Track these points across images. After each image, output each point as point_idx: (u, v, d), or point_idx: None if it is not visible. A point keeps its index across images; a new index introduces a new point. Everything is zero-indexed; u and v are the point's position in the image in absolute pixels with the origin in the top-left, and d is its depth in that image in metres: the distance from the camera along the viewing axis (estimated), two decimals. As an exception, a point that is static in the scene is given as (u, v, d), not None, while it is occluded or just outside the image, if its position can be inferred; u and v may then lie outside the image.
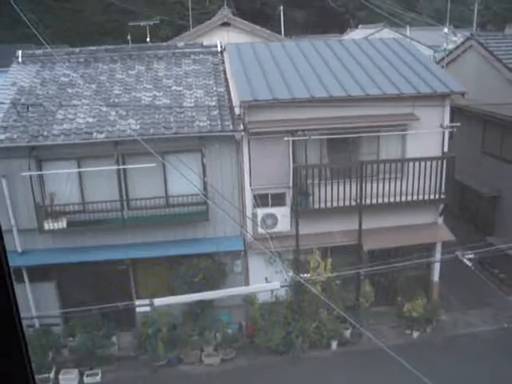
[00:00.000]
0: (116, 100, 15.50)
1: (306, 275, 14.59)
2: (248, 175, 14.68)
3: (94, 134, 13.99)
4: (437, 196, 15.41)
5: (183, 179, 12.99)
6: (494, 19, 60.07)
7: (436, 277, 16.65)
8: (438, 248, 16.14)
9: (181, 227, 15.00)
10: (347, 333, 15.37)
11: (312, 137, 14.54)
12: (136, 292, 15.52)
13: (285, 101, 14.35)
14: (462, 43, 21.22)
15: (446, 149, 15.60)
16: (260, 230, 14.59)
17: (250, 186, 14.80)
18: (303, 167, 14.62)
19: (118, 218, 14.52)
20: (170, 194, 14.76)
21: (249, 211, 14.98)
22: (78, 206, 14.57)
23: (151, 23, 40.00)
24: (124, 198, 14.65)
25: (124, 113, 14.84)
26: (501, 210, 18.56)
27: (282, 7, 41.53)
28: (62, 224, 14.07)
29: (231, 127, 14.18)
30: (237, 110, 14.51)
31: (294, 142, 14.67)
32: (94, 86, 16.17)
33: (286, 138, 14.44)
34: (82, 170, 14.36)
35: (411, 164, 14.94)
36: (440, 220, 16.14)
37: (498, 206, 18.67)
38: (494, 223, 18.88)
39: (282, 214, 14.78)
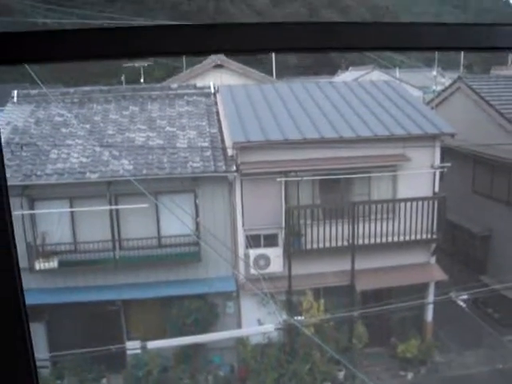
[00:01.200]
0: (110, 140, 15.61)
1: (299, 317, 14.50)
2: (241, 216, 14.72)
3: (87, 174, 14.04)
4: (429, 236, 15.48)
5: (176, 219, 13.01)
6: (479, 61, 61.41)
7: (430, 317, 16.59)
8: (431, 288, 16.15)
9: (173, 268, 14.93)
10: (341, 374, 15.19)
11: (304, 178, 14.66)
12: (127, 333, 15.34)
13: (277, 142, 14.50)
14: (451, 85, 21.62)
15: (437, 189, 15.75)
16: (252, 271, 14.55)
17: (243, 226, 14.82)
18: (295, 208, 14.69)
19: (110, 258, 14.46)
20: (163, 235, 14.74)
21: (241, 252, 14.97)
22: (70, 245, 14.52)
23: (145, 64, 40.58)
24: (116, 238, 14.62)
25: (117, 153, 14.93)
26: (493, 248, 18.61)
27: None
28: (54, 264, 13.99)
29: (224, 168, 14.28)
30: (230, 151, 14.64)
31: (286, 182, 14.77)
32: (87, 126, 16.29)
33: (278, 179, 14.54)
34: (74, 209, 14.35)
35: (403, 204, 15.05)
36: (432, 260, 16.18)
37: (490, 244, 18.73)
38: (487, 262, 18.90)
39: (275, 254, 14.77)
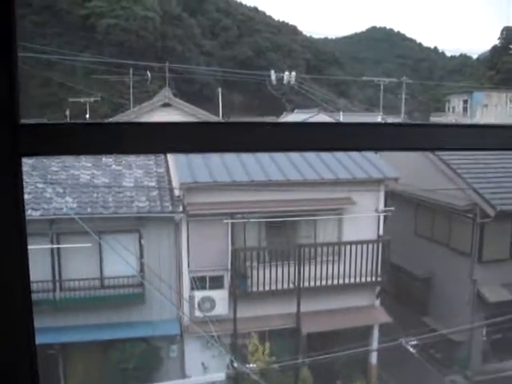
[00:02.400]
0: (54, 177, 15.23)
1: (246, 364, 14.27)
2: (186, 257, 14.53)
3: (29, 212, 13.59)
4: (373, 278, 15.68)
5: (120, 260, 12.70)
6: (419, 108, 63.90)
7: (374, 359, 16.66)
8: (376, 330, 16.27)
9: (116, 309, 14.51)
10: (285, 420, 14.97)
11: (251, 220, 14.65)
12: (65, 380, 14.71)
13: (224, 183, 14.50)
14: (394, 131, 22.28)
15: (381, 232, 16.03)
16: (197, 313, 14.31)
17: (188, 267, 14.62)
18: (242, 250, 14.62)
19: (50, 299, 13.94)
20: (106, 275, 14.35)
21: (186, 294, 14.72)
22: (7, 286, 13.91)
23: (91, 100, 40.21)
24: (57, 278, 14.14)
25: (61, 190, 14.56)
26: (434, 290, 18.98)
27: (220, 89, 42.75)
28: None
29: (170, 208, 14.13)
30: (176, 192, 14.52)
31: (233, 224, 14.72)
32: (30, 161, 15.86)
33: (225, 221, 14.48)
34: (13, 249, 13.81)
35: (348, 247, 15.22)
36: (377, 302, 16.36)
37: (432, 286, 19.11)
38: (429, 303, 19.25)
39: (220, 296, 14.60)
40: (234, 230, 14.82)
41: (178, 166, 15.16)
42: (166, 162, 16.32)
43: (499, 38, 74.29)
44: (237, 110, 52.03)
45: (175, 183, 14.82)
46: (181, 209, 14.20)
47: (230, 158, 15.85)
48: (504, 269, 17.22)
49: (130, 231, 14.21)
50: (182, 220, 14.37)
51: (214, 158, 15.72)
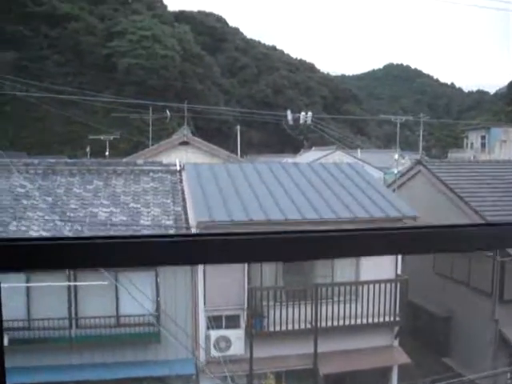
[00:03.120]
0: (72, 214, 15.38)
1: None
2: (202, 296, 14.49)
3: (47, 251, 13.70)
4: (392, 318, 15.47)
5: (136, 298, 12.71)
6: (437, 144, 63.87)
7: (393, 401, 16.31)
8: (395, 371, 15.97)
9: (131, 348, 14.45)
10: None
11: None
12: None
13: (241, 222, 14.52)
14: (411, 168, 22.27)
15: (399, 271, 15.87)
16: (213, 353, 14.19)
17: (204, 306, 14.56)
18: (258, 289, 14.56)
19: (66, 336, 13.93)
20: (122, 314, 14.34)
21: (202, 333, 14.63)
22: (23, 322, 13.95)
23: (111, 138, 40.81)
24: (73, 315, 14.15)
25: (79, 228, 14.69)
26: (454, 330, 18.65)
27: (239, 127, 43.17)
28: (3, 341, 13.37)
29: (187, 247, 14.14)
30: (193, 230, 14.57)
31: (249, 264, 14.69)
32: (50, 198, 16.06)
33: (242, 260, 14.45)
34: (30, 284, 13.91)
35: (366, 286, 15.08)
36: (396, 342, 16.10)
37: (452, 326, 18.78)
38: (449, 344, 18.89)
39: (236, 336, 14.49)
40: (251, 268, 14.79)
41: (196, 205, 15.25)
42: (184, 200, 16.42)
43: (517, 74, 74.41)
44: (255, 147, 52.46)
45: (192, 222, 14.88)
46: (198, 248, 14.21)
47: (248, 196, 15.93)
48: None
49: (146, 270, 14.23)
50: (198, 259, 14.37)
51: (232, 197, 15.80)
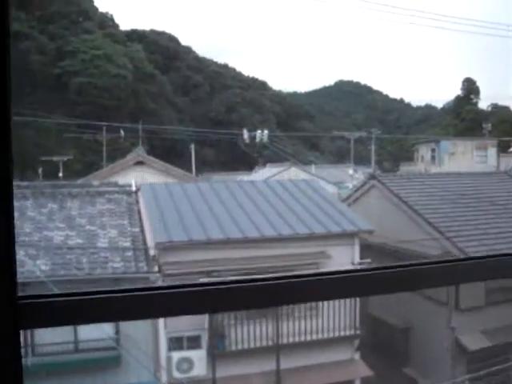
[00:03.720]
0: (26, 239, 15.02)
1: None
2: (163, 318, 14.32)
3: (1, 277, 13.34)
4: (352, 332, 15.63)
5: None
6: (389, 158, 65.17)
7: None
8: (357, 384, 16.10)
9: (91, 374, 14.13)
10: None
11: (228, 278, 14.57)
12: None
13: (200, 242, 14.49)
14: (366, 182, 22.65)
15: (357, 285, 16.06)
16: (175, 375, 14.02)
17: (165, 328, 14.40)
18: (220, 308, 14.49)
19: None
20: (80, 339, 14.03)
21: (163, 355, 14.45)
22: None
23: (65, 159, 40.10)
24: (29, 342, 13.77)
25: (34, 252, 14.36)
26: (413, 340, 18.93)
27: (193, 145, 43.12)
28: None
29: (146, 269, 14.01)
30: (152, 251, 14.44)
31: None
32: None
33: (201, 279, 14.37)
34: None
35: (325, 301, 15.18)
36: (357, 356, 16.24)
37: (411, 336, 19.07)
38: (409, 354, 19.15)
39: (198, 357, 14.36)
40: (211, 288, 14.70)
41: (153, 226, 15.13)
42: (141, 221, 16.27)
43: (461, 89, 76.93)
44: (210, 166, 52.41)
45: (150, 243, 14.75)
46: (156, 269, 14.10)
47: (206, 215, 15.91)
48: (481, 315, 17.32)
49: (105, 293, 13.99)
50: (157, 280, 14.23)
51: (190, 217, 15.76)
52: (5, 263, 1.01)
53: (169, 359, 14.33)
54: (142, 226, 15.96)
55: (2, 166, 0.98)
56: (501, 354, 17.25)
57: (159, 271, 14.11)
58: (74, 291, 1.11)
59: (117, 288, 1.16)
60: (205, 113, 70.19)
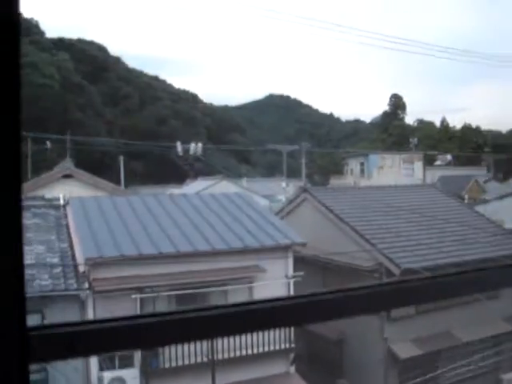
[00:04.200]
0: None
1: None
2: (93, 336, 13.78)
3: None
4: (287, 345, 15.58)
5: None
6: (319, 171, 66.26)
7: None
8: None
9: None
10: None
11: (160, 293, 14.23)
12: None
13: (131, 257, 14.08)
14: (298, 195, 22.83)
15: (291, 298, 16.07)
16: (107, 396, 13.50)
17: (96, 347, 13.86)
18: (152, 325, 14.10)
19: None
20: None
21: (94, 375, 13.90)
22: None
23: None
24: None
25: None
26: (348, 351, 19.12)
27: (122, 158, 42.27)
28: None
29: (75, 286, 13.47)
30: (81, 267, 13.91)
31: (142, 298, 14.22)
32: None
33: (133, 296, 13.97)
34: None
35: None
36: (292, 369, 16.21)
37: (345, 348, 19.25)
38: (343, 366, 19.32)
39: (131, 376, 13.88)
40: (144, 304, 14.31)
41: (83, 240, 14.59)
42: (70, 236, 15.68)
43: (389, 104, 79.46)
44: (139, 178, 51.54)
45: (80, 259, 14.21)
46: (86, 285, 13.58)
47: (137, 230, 15.51)
48: (411, 325, 17.70)
49: (31, 312, 13.31)
50: (88, 297, 13.71)
51: (120, 231, 15.31)
52: (15, 290, 0.89)
53: (100, 380, 13.79)
54: (70, 241, 15.39)
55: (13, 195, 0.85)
56: (430, 362, 17.70)
57: (89, 288, 13.59)
58: (92, 319, 0.99)
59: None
60: (134, 124, 69.13)
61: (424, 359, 17.50)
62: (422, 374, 17.52)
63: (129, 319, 1.05)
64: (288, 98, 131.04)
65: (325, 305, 1.22)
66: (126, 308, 14.03)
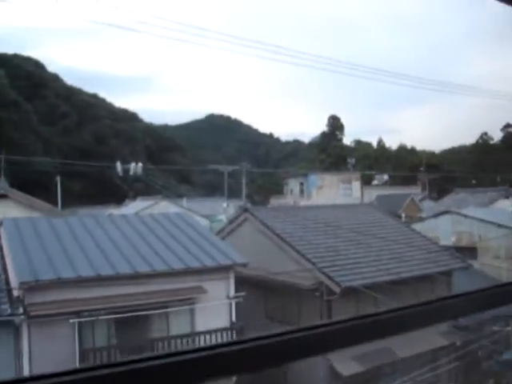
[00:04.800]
0: None
1: None
2: (28, 363, 13.25)
3: None
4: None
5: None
6: (259, 191, 66.68)
7: None
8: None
9: None
10: None
11: (99, 317, 13.86)
12: None
13: (69, 280, 13.66)
14: (239, 215, 22.81)
15: (234, 318, 15.98)
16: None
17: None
18: (91, 350, 13.70)
19: None
20: None
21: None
22: None
23: None
24: None
25: None
26: (291, 370, 19.03)
27: (59, 178, 41.26)
28: None
29: (9, 311, 12.93)
30: (16, 292, 13.38)
31: (80, 323, 13.80)
32: None
33: (71, 320, 13.53)
34: None
35: (202, 337, 14.91)
36: (233, 391, 16.02)
37: (288, 366, 19.16)
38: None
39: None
40: (82, 329, 13.88)
41: (17, 264, 14.05)
42: (3, 259, 15.10)
43: (327, 125, 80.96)
44: (77, 199, 50.36)
45: (14, 283, 13.67)
46: (21, 310, 13.05)
47: (75, 252, 15.09)
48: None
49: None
50: (22, 323, 13.17)
51: (57, 253, 14.86)
52: None
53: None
54: (4, 265, 14.82)
55: None
56: (372, 378, 17.91)
57: (24, 313, 13.07)
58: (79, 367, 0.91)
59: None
60: (73, 143, 67.71)
61: (366, 376, 17.68)
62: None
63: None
64: (228, 118, 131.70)
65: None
66: (63, 333, 13.59)
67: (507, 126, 65.31)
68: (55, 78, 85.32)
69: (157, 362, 0.98)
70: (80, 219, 18.30)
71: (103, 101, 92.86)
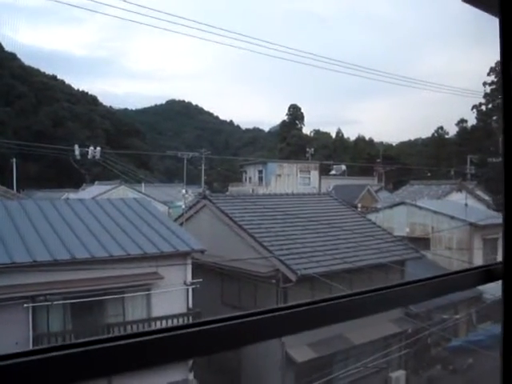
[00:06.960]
0: None
1: None
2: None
3: None
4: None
5: None
6: (218, 178, 66.62)
7: None
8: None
9: None
10: None
11: (54, 302, 13.76)
12: None
13: (24, 264, 13.50)
14: (197, 202, 22.83)
15: (191, 304, 16.07)
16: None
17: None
18: (45, 335, 13.60)
19: None
20: None
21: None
22: None
23: None
24: None
25: None
26: (246, 357, 19.26)
27: (14, 160, 40.46)
28: None
29: (-39, 295, 12.73)
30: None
31: (34, 308, 13.67)
32: None
33: (25, 305, 13.40)
34: None
35: (158, 323, 14.96)
36: (191, 376, 16.17)
37: (244, 353, 19.38)
38: (242, 371, 19.45)
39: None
40: (36, 314, 13.76)
41: (-31, 247, 13.82)
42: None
43: (287, 114, 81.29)
44: (33, 182, 49.35)
45: (-34, 266, 13.44)
46: (-28, 295, 12.86)
47: (30, 236, 14.90)
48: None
49: None
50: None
51: (12, 237, 14.64)
52: None
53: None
54: (-44, 248, 14.51)
55: None
56: (326, 364, 18.28)
57: (-25, 298, 12.88)
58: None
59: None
60: (29, 125, 66.22)
61: (319, 362, 18.04)
62: (319, 377, 18.05)
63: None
64: (189, 104, 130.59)
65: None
66: (17, 317, 13.45)
67: (462, 121, 66.78)
68: (13, 57, 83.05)
69: (111, 343, 1.03)
70: (36, 202, 18.04)
71: (62, 83, 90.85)
